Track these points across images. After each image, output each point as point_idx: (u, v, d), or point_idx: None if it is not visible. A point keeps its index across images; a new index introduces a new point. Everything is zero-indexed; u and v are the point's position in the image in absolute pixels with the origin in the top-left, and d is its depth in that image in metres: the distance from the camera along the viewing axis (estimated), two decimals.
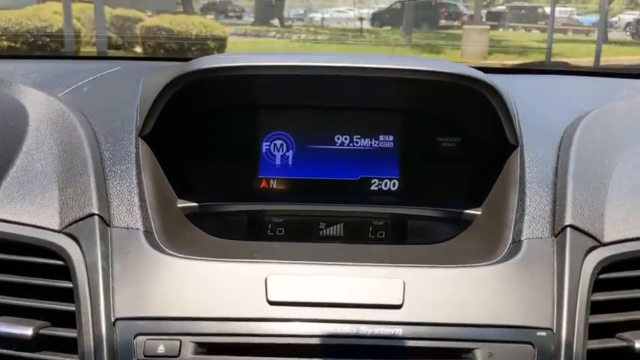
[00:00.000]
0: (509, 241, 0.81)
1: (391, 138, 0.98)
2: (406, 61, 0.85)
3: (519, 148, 0.87)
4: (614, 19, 15.11)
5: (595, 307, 0.74)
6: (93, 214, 0.77)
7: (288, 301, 0.73)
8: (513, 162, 0.87)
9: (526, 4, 17.56)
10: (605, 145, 0.89)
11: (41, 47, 6.90)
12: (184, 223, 0.89)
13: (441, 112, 0.97)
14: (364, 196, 0.97)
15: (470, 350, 0.71)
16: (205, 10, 16.30)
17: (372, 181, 0.98)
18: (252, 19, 16.08)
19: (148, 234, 0.78)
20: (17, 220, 0.76)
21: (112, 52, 7.38)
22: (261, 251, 0.83)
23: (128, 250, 0.76)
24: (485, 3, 17.63)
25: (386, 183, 0.98)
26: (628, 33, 14.47)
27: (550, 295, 0.74)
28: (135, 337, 0.70)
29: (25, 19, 7.22)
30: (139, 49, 7.98)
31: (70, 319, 0.72)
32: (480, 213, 0.90)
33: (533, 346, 0.71)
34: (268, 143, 0.98)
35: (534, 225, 0.81)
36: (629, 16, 15.07)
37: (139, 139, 0.86)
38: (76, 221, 0.76)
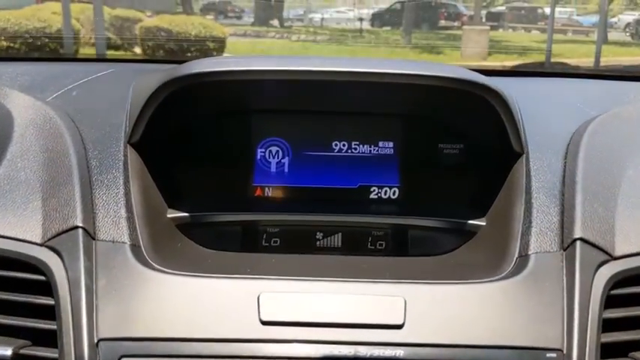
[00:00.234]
0: (516, 254, 0.77)
1: (391, 144, 0.95)
2: (406, 65, 0.82)
3: (524, 155, 0.84)
4: (614, 19, 15.12)
5: (606, 325, 0.70)
6: (77, 227, 0.73)
7: (282, 320, 0.69)
8: (518, 170, 0.83)
9: (526, 4, 17.57)
10: (613, 151, 0.85)
11: (40, 48, 6.89)
12: (174, 235, 0.86)
13: (443, 118, 0.94)
14: (363, 205, 0.93)
15: None
16: (205, 10, 16.30)
17: (372, 190, 0.94)
18: (252, 20, 16.08)
19: (135, 247, 0.75)
20: None
21: (110, 53, 7.35)
22: (255, 265, 0.80)
23: (113, 264, 0.72)
24: (485, 3, 17.63)
25: (386, 191, 0.94)
26: (628, 33, 14.48)
27: (559, 313, 0.70)
28: None
29: (23, 20, 7.20)
30: (138, 50, 7.97)
31: (51, 339, 0.68)
32: (484, 224, 0.87)
33: None
34: (263, 150, 0.94)
35: (542, 238, 0.77)
36: (628, 17, 15.08)
37: (128, 147, 0.83)
38: (59, 234, 0.73)
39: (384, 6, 17.25)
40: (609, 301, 0.71)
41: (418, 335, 0.68)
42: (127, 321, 0.68)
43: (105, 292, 0.69)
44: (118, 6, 9.37)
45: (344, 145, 0.95)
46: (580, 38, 13.36)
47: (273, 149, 0.94)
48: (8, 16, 7.18)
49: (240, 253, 0.88)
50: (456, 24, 15.20)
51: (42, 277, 0.71)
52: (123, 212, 0.77)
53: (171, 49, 7.64)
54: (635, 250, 0.73)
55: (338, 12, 18.47)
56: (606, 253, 0.73)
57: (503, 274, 0.74)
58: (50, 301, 0.69)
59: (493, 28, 13.77)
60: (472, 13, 15.57)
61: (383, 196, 0.94)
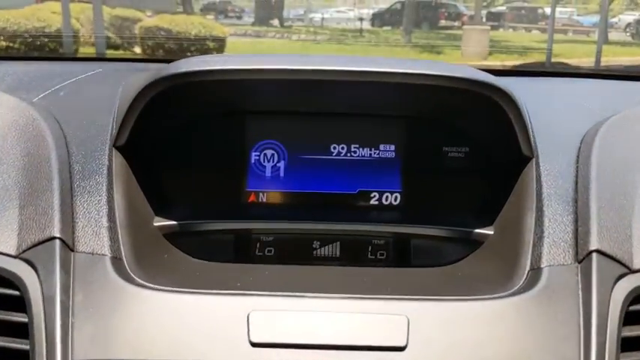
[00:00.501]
0: (527, 267, 0.72)
1: (392, 147, 0.90)
2: (410, 63, 0.77)
3: (534, 159, 0.79)
4: (615, 19, 15.11)
5: (625, 344, 0.65)
6: (54, 238, 0.68)
7: (273, 342, 0.63)
8: (528, 175, 0.79)
9: (526, 4, 17.57)
10: (627, 154, 0.81)
11: (39, 48, 6.87)
12: (161, 245, 0.81)
13: (448, 119, 0.89)
14: (363, 212, 0.89)
15: None
16: (205, 10, 16.31)
17: (372, 195, 0.90)
18: (252, 20, 16.07)
19: (116, 260, 0.70)
20: None
21: (110, 52, 7.33)
22: (246, 278, 0.75)
23: (92, 279, 0.67)
24: (485, 3, 17.62)
25: (387, 197, 0.90)
26: (628, 33, 14.49)
27: (575, 332, 0.65)
28: None
29: (23, 19, 7.19)
30: (137, 50, 7.96)
31: (25, 359, 0.63)
32: (491, 233, 0.82)
33: None
34: (257, 153, 0.90)
35: (555, 249, 0.72)
36: (629, 17, 15.09)
37: (113, 150, 0.78)
38: (34, 245, 0.67)
39: (384, 6, 17.25)
40: (628, 318, 0.66)
41: (422, 358, 0.63)
42: (104, 341, 0.63)
43: (82, 309, 0.64)
44: (118, 6, 9.36)
45: (343, 149, 0.90)
46: (580, 38, 13.35)
47: (268, 153, 0.90)
48: (7, 16, 7.17)
49: (231, 264, 0.83)
50: (456, 24, 15.20)
51: (16, 292, 0.66)
52: (104, 221, 0.72)
53: (171, 49, 7.61)
54: None
55: (338, 12, 18.48)
56: (624, 265, 0.68)
57: (514, 289, 0.69)
58: (24, 319, 0.64)
59: (493, 27, 13.78)
60: (472, 12, 15.56)
61: (384, 202, 0.90)
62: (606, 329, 0.64)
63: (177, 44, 7.72)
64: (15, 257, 0.67)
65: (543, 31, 12.99)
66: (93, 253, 0.69)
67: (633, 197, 0.74)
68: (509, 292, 0.68)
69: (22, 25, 7.07)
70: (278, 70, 0.74)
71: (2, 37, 6.79)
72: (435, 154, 0.90)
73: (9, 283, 0.66)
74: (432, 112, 0.89)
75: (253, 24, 15.31)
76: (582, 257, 0.70)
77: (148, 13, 10.07)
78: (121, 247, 0.71)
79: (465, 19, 15.27)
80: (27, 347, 0.63)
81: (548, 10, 13.08)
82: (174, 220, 0.82)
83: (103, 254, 0.69)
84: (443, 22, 15.37)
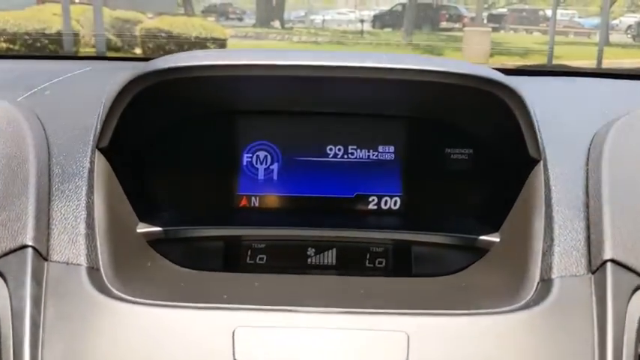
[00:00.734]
0: (537, 278, 0.67)
1: (392, 149, 0.87)
2: (410, 59, 0.73)
3: (542, 161, 0.75)
4: (615, 21, 15.12)
5: None
6: (26, 246, 0.64)
7: None
8: (536, 178, 0.74)
9: (527, 6, 17.58)
10: None
11: (39, 49, 6.88)
12: (144, 253, 0.77)
13: (450, 119, 0.86)
14: (360, 217, 0.85)
15: None
16: (206, 12, 16.34)
17: (370, 199, 0.86)
18: (253, 21, 16.08)
19: (92, 270, 0.65)
20: None
21: (110, 54, 7.33)
22: (235, 289, 0.72)
23: (65, 291, 0.62)
24: (486, 5, 17.61)
25: (386, 201, 0.86)
26: (629, 35, 14.50)
27: (589, 349, 0.61)
28: None
29: (23, 21, 7.19)
30: (138, 51, 7.97)
31: None
32: (497, 240, 0.78)
33: None
34: (250, 155, 0.86)
35: (566, 259, 0.67)
36: (630, 19, 15.09)
37: (96, 152, 0.74)
38: (5, 254, 0.63)
39: (385, 7, 17.26)
40: None
41: None
42: (76, 359, 0.59)
43: (53, 323, 0.60)
44: (119, 7, 9.37)
45: (339, 150, 0.87)
46: (581, 40, 13.35)
47: (261, 154, 0.86)
48: (8, 17, 7.17)
49: (219, 272, 0.79)
50: (457, 25, 15.20)
51: None
52: (82, 228, 0.68)
53: (172, 51, 7.60)
54: None
55: (339, 13, 18.48)
56: None
57: (522, 303, 0.65)
58: None
59: (494, 29, 13.77)
60: (474, 14, 15.56)
61: (383, 206, 0.87)
62: (622, 346, 0.60)
63: (178, 46, 7.71)
64: None
65: (544, 33, 13.00)
66: (68, 263, 0.65)
67: None
68: (518, 305, 0.64)
69: (23, 27, 7.06)
70: (269, 65, 0.69)
71: (2, 39, 6.79)
72: (437, 156, 0.86)
73: None
74: (434, 111, 0.86)
75: (254, 26, 15.32)
76: (596, 267, 0.66)
77: (149, 15, 10.07)
78: (99, 255, 0.67)
79: (466, 20, 15.28)
80: None
81: (549, 12, 13.08)
82: (160, 226, 0.79)
83: (78, 264, 0.65)
84: (444, 24, 15.38)
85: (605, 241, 0.65)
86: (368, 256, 0.82)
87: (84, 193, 0.70)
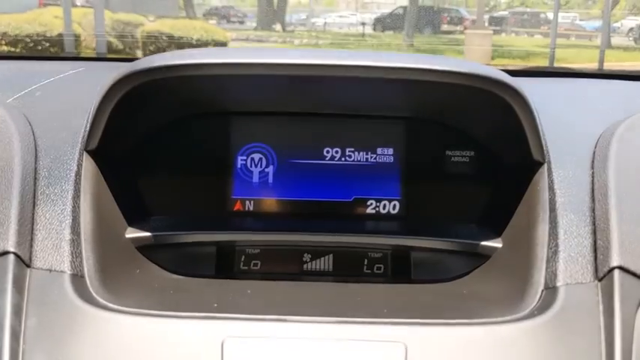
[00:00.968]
0: (541, 286, 0.65)
1: (391, 151, 0.86)
2: (411, 58, 0.71)
3: (546, 164, 0.73)
4: (617, 24, 15.10)
5: None
6: (7, 252, 0.62)
7: None
8: (540, 182, 0.72)
9: (528, 9, 17.58)
10: None
11: (40, 52, 6.87)
12: (133, 259, 0.75)
13: (451, 120, 0.84)
14: (358, 222, 0.83)
15: None
16: (208, 15, 16.35)
17: (368, 203, 0.85)
18: (254, 24, 16.08)
19: (77, 278, 0.63)
20: None
21: (111, 57, 7.33)
22: (226, 297, 0.69)
23: (48, 299, 0.61)
24: (487, 8, 17.61)
25: (384, 205, 0.85)
26: (631, 38, 14.47)
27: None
28: None
29: (25, 24, 7.19)
30: (139, 54, 7.97)
31: None
32: (499, 246, 0.76)
33: None
34: (244, 157, 0.85)
35: (572, 265, 0.65)
36: (631, 22, 15.07)
37: (84, 155, 0.72)
38: None
39: (386, 10, 17.28)
40: None
41: None
42: None
43: (34, 334, 0.58)
44: (120, 10, 9.37)
45: (337, 152, 0.85)
46: (583, 43, 13.33)
47: (256, 157, 0.85)
48: (9, 20, 7.17)
49: (211, 280, 0.77)
50: (458, 28, 15.19)
51: None
52: (67, 233, 0.66)
53: None
54: None
55: (340, 16, 18.48)
56: None
57: (526, 312, 0.63)
58: None
59: (496, 32, 13.77)
60: (475, 17, 15.54)
61: (381, 210, 0.85)
62: (631, 357, 0.58)
63: (179, 48, 7.71)
64: None
65: (546, 35, 13.00)
66: (51, 270, 0.63)
67: None
68: (521, 314, 0.62)
69: (24, 29, 7.06)
70: (259, 64, 0.67)
71: (3, 41, 6.80)
72: (437, 159, 0.85)
73: None
74: (434, 112, 0.84)
75: (255, 28, 15.32)
76: (602, 275, 0.64)
77: (150, 18, 10.07)
78: (84, 262, 0.65)
79: (467, 23, 15.26)
80: None
81: (550, 15, 13.07)
82: (150, 232, 0.77)
83: (61, 271, 0.63)
84: (445, 27, 15.37)
85: (612, 248, 0.63)
86: (366, 262, 0.80)
87: (70, 197, 0.68)
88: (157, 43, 7.87)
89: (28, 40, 6.95)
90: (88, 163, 0.72)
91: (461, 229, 0.81)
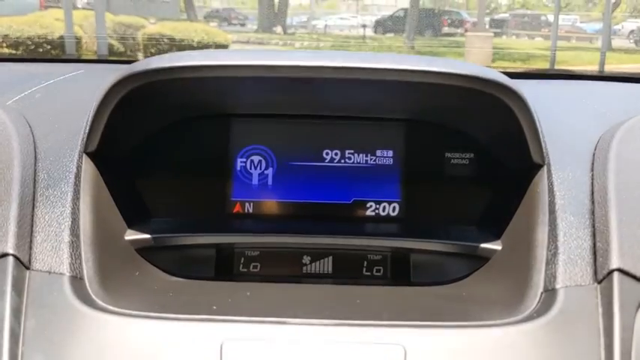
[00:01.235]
0: (540, 288, 0.65)
1: (390, 153, 0.85)
2: (410, 60, 0.70)
3: (545, 166, 0.73)
4: (618, 26, 15.11)
5: None
6: (6, 254, 0.62)
7: None
8: (539, 184, 0.72)
9: (529, 11, 17.59)
10: None
11: (42, 54, 6.88)
12: (132, 261, 0.75)
13: (451, 123, 0.84)
14: (358, 224, 0.83)
15: None
16: (209, 17, 16.38)
17: (368, 205, 0.85)
18: (255, 27, 16.10)
19: (76, 280, 0.63)
20: None
21: (112, 59, 7.34)
22: (225, 299, 0.69)
23: (47, 301, 0.60)
24: (488, 10, 17.61)
25: (384, 207, 0.84)
26: (631, 40, 14.47)
27: None
28: None
29: (26, 26, 7.21)
30: (140, 56, 7.98)
31: None
32: (498, 248, 0.76)
33: None
34: (243, 159, 0.84)
35: (571, 268, 0.65)
36: (632, 24, 15.08)
37: (83, 157, 0.72)
38: None
39: (387, 13, 17.29)
40: None
41: None
42: None
43: (33, 336, 0.58)
44: (121, 12, 9.39)
45: (336, 154, 0.85)
46: (584, 45, 13.34)
47: (255, 159, 0.85)
48: (11, 23, 7.19)
49: (210, 282, 0.77)
50: (459, 31, 15.20)
51: None
52: (66, 235, 0.65)
53: None
54: None
55: (341, 19, 18.49)
56: None
57: (526, 314, 0.62)
58: None
59: (497, 34, 13.78)
60: (475, 19, 15.55)
61: (381, 213, 0.85)
62: (630, 359, 0.58)
63: (180, 51, 7.72)
64: None
65: (546, 38, 13.01)
66: (50, 272, 0.63)
67: None
68: (521, 317, 0.62)
69: (25, 32, 7.08)
70: (267, 66, 0.67)
71: (5, 44, 6.81)
72: (437, 161, 0.85)
73: None
74: (434, 114, 0.84)
75: (256, 31, 15.33)
76: (602, 277, 0.63)
77: (152, 20, 10.09)
78: (83, 264, 0.65)
79: (467, 25, 15.27)
80: None
81: (551, 17, 13.07)
82: (149, 234, 0.77)
83: (61, 273, 0.63)
84: (446, 29, 15.37)
85: (612, 250, 0.63)
86: (365, 264, 0.80)
87: (69, 199, 0.68)
88: (157, 45, 7.89)
89: (29, 42, 6.97)
90: (88, 166, 0.72)
91: (460, 232, 0.80)
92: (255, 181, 0.85)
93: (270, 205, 0.85)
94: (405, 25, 13.61)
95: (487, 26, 15.23)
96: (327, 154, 0.85)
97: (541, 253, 0.68)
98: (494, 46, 11.11)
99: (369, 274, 0.81)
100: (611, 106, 0.93)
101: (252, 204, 0.84)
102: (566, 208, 0.70)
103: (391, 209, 0.85)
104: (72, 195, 0.69)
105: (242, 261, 0.80)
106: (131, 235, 0.76)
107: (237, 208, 0.84)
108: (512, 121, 0.71)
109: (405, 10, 14.93)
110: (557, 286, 0.64)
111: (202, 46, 7.89)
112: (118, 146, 0.77)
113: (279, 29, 15.61)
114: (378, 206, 0.85)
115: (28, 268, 0.63)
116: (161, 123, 0.83)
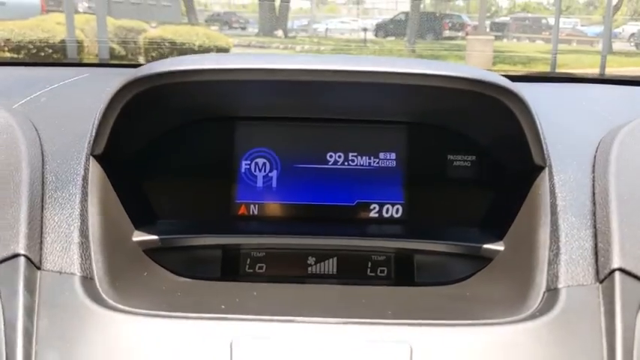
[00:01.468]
0: (543, 288, 0.66)
1: (393, 156, 0.86)
2: (412, 63, 0.71)
3: (547, 168, 0.74)
4: (618, 30, 15.13)
5: None
6: (18, 255, 0.62)
7: None
8: (541, 186, 0.73)
9: (530, 15, 17.62)
10: None
11: (43, 58, 6.91)
12: (140, 262, 0.75)
13: (453, 125, 0.85)
14: (362, 226, 0.84)
15: None
16: (210, 21, 16.43)
17: (371, 207, 0.85)
18: (256, 30, 16.14)
19: (86, 280, 0.64)
20: None
21: (113, 62, 7.36)
22: (233, 299, 0.69)
23: (58, 301, 0.61)
24: (489, 14, 17.66)
25: (387, 209, 0.85)
26: (632, 44, 14.50)
27: None
28: None
29: (27, 30, 7.23)
30: (141, 60, 7.99)
31: None
32: (501, 249, 0.76)
33: None
34: (248, 162, 0.85)
35: (573, 268, 0.65)
36: (632, 27, 15.10)
37: (91, 159, 0.73)
38: None
39: (388, 16, 17.34)
40: None
41: None
42: None
43: (46, 335, 0.59)
44: (123, 16, 9.41)
45: (340, 157, 0.86)
46: (584, 48, 13.35)
47: (260, 161, 0.85)
48: (12, 27, 7.21)
49: (217, 282, 0.78)
50: (460, 34, 15.22)
51: None
52: (76, 236, 0.66)
53: None
54: None
55: (342, 22, 18.53)
56: None
57: (528, 313, 0.63)
58: None
59: (497, 38, 13.80)
60: (476, 23, 15.57)
61: (384, 214, 0.85)
62: (632, 358, 0.58)
63: (182, 55, 7.73)
64: None
65: (547, 41, 13.03)
66: (61, 272, 0.64)
67: None
68: (524, 316, 0.62)
69: (27, 36, 7.10)
70: (271, 70, 0.68)
71: (7, 48, 6.83)
72: (439, 163, 0.85)
73: None
74: (436, 116, 0.85)
75: (257, 35, 15.37)
76: (604, 277, 0.64)
77: (153, 24, 10.12)
78: (93, 264, 0.66)
79: (468, 29, 15.29)
80: None
81: (551, 21, 13.09)
82: (156, 235, 0.77)
83: (72, 273, 0.64)
84: (447, 33, 15.40)
85: (613, 250, 0.63)
86: (369, 264, 0.81)
87: (78, 200, 0.69)
88: (159, 49, 7.91)
89: (31, 46, 6.99)
90: (95, 168, 0.73)
91: (463, 233, 0.81)
92: (259, 183, 0.85)
93: (275, 207, 0.85)
94: (405, 29, 13.64)
95: (488, 29, 15.26)
96: (330, 156, 0.86)
97: (543, 253, 0.68)
98: (495, 49, 11.12)
99: (373, 274, 0.81)
100: (611, 109, 0.94)
101: (257, 206, 0.85)
102: (568, 209, 0.71)
103: (394, 211, 0.85)
104: (80, 197, 0.69)
105: (248, 262, 0.81)
106: (139, 237, 0.77)
107: (242, 210, 0.85)
108: (513, 123, 0.72)
109: (406, 13, 14.97)
110: (560, 286, 0.65)
111: (204, 49, 7.91)
112: (124, 149, 0.78)
113: (280, 33, 15.64)
114: (381, 208, 0.85)
115: (39, 268, 0.64)
116: (166, 126, 0.83)
